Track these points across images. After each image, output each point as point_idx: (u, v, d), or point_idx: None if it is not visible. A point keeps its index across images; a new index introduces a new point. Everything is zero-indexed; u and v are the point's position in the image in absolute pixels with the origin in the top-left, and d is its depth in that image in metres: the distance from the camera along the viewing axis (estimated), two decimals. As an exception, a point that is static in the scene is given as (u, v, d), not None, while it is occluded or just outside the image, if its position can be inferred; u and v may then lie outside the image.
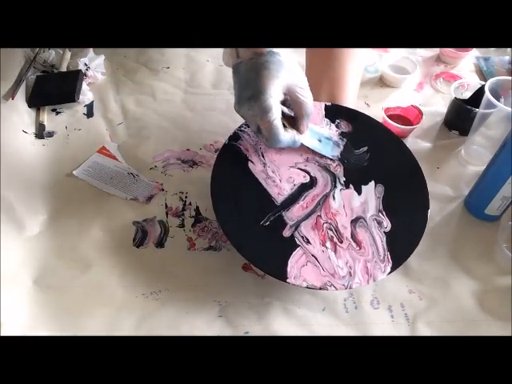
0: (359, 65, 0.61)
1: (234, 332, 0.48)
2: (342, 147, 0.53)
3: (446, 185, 0.61)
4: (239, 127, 0.53)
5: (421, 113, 0.68)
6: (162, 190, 0.60)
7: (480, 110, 0.60)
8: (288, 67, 0.46)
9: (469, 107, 0.63)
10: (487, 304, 0.50)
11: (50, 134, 0.66)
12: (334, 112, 0.55)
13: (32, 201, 0.57)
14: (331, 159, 0.52)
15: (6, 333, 0.44)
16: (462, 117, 0.66)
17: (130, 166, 0.62)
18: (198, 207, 0.58)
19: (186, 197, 0.59)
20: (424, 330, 0.48)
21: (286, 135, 0.47)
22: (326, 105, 0.55)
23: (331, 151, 0.52)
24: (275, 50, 0.46)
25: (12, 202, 0.56)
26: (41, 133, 0.66)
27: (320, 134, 0.53)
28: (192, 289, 0.51)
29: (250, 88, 0.45)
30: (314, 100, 0.56)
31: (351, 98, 0.58)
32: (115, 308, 0.49)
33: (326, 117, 0.55)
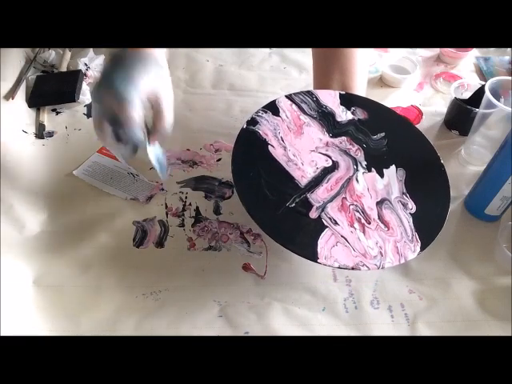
0: (367, 54, 0.61)
1: (233, 332, 0.48)
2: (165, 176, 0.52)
3: (446, 185, 0.61)
4: (256, 112, 0.53)
5: (421, 113, 0.68)
6: (162, 189, 0.60)
7: (480, 110, 0.60)
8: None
9: (469, 107, 0.63)
10: (487, 304, 0.50)
11: (50, 134, 0.66)
12: (349, 100, 0.56)
13: (32, 200, 0.57)
14: None
15: (6, 333, 0.44)
16: (462, 117, 0.66)
17: (130, 166, 0.62)
18: (197, 207, 0.58)
19: (186, 197, 0.59)
20: (424, 330, 0.48)
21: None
22: (340, 93, 0.56)
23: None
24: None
25: (12, 201, 0.56)
26: (41, 133, 0.66)
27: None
28: (192, 289, 0.51)
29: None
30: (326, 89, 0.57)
31: (362, 87, 0.59)
32: (115, 308, 0.49)
33: (341, 104, 0.56)
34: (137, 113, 0.44)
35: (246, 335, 0.47)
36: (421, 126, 0.68)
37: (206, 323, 0.48)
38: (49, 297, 0.49)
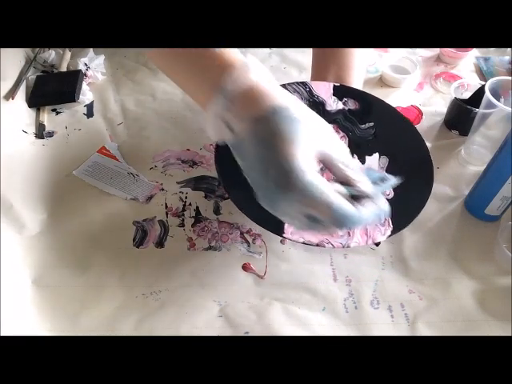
0: (366, 50, 0.62)
1: (233, 332, 0.48)
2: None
3: (446, 185, 0.61)
4: None
5: (421, 113, 0.68)
6: (162, 189, 0.60)
7: (480, 110, 0.60)
8: (311, 125, 0.35)
9: (469, 107, 0.63)
10: (487, 304, 0.50)
11: (50, 134, 0.66)
12: (343, 91, 0.57)
13: (32, 200, 0.58)
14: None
15: (5, 333, 0.44)
16: (462, 117, 0.66)
17: (130, 166, 0.62)
18: (197, 207, 0.58)
19: (186, 197, 0.59)
20: (424, 330, 0.48)
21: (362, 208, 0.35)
22: (334, 85, 0.57)
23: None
24: (280, 103, 0.35)
25: (12, 201, 0.56)
26: (41, 133, 0.66)
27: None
28: (192, 289, 0.51)
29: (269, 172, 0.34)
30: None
31: (358, 82, 0.59)
32: (115, 308, 0.49)
33: (333, 95, 0.57)
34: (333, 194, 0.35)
35: (246, 335, 0.47)
36: (421, 126, 0.68)
37: (205, 323, 0.48)
38: (48, 297, 0.49)
